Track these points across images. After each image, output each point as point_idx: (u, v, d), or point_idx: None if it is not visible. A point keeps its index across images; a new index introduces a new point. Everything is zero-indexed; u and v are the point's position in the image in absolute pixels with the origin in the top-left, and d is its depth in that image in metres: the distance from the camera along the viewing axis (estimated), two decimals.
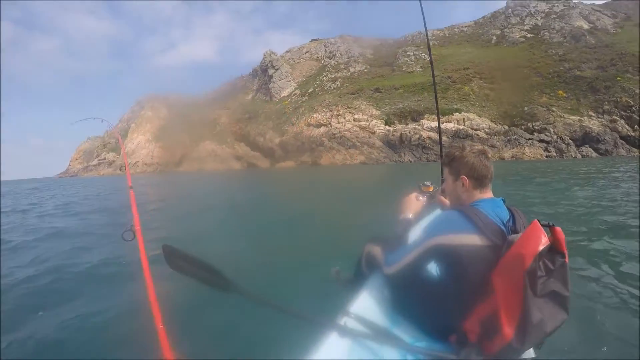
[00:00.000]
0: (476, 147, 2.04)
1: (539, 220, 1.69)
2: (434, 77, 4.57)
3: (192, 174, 62.94)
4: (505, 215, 1.91)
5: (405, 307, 2.18)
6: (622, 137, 47.25)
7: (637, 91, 51.02)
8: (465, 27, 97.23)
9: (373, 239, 2.57)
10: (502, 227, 1.81)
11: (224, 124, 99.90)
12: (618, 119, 49.59)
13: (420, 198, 2.62)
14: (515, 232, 1.82)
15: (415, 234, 2.31)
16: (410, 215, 2.49)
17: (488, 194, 2.04)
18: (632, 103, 50.11)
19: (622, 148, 45.77)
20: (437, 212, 2.79)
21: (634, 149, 45.49)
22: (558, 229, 1.69)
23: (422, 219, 2.64)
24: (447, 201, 2.51)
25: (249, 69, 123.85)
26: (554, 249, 1.67)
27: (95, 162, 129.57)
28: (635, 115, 49.19)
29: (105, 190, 27.23)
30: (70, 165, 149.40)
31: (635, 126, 48.05)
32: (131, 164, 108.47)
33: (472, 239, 1.78)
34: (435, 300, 2.00)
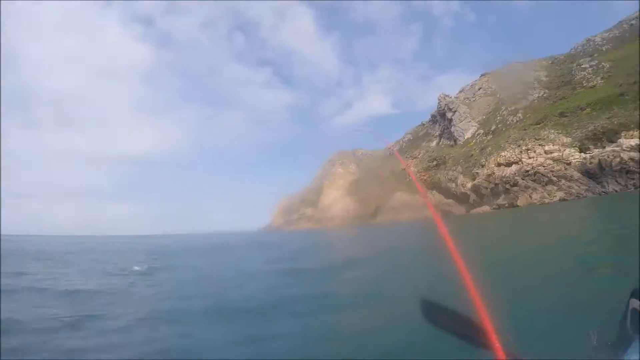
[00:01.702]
0: None
1: None
2: None
3: (391, 226, 64.96)
4: None
5: None
6: None
7: None
8: (634, 19, 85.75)
9: (638, 292, 2.21)
10: None
11: (414, 173, 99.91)
12: None
13: None
14: None
15: None
16: None
17: None
18: None
19: None
20: None
21: None
22: None
23: None
24: None
25: (427, 115, 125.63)
26: None
27: (295, 216, 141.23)
28: None
29: None
30: (273, 219, 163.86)
31: None
32: (328, 218, 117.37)
33: None
34: None
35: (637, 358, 1.78)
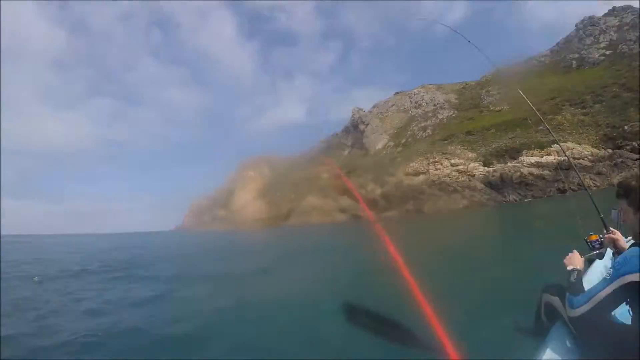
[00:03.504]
0: None
1: None
2: None
3: (303, 228, 66.05)
4: None
5: (593, 357, 2.12)
6: None
7: None
8: (542, 57, 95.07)
9: (549, 288, 2.68)
10: None
11: (325, 179, 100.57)
12: None
13: (581, 257, 2.62)
14: None
15: (594, 277, 2.64)
16: (578, 267, 2.53)
17: None
18: None
19: None
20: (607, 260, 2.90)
21: None
22: None
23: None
24: (619, 237, 2.67)
25: (340, 125, 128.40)
26: None
27: (207, 218, 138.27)
28: None
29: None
30: (184, 220, 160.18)
31: None
32: (240, 219, 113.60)
33: None
34: (627, 346, 1.94)
35: (554, 343, 2.24)
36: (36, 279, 11.78)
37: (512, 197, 57.63)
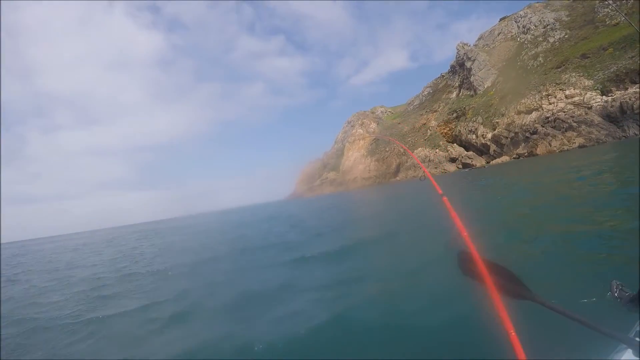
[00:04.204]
0: None
1: None
2: None
3: (412, 182, 65.88)
4: None
5: None
6: None
7: None
8: None
9: None
10: None
11: (434, 127, 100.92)
12: None
13: None
14: None
15: None
16: None
17: None
18: None
19: None
20: None
21: None
22: None
23: None
24: None
25: (446, 66, 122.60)
26: None
27: (318, 182, 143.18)
28: None
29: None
30: (296, 187, 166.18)
31: None
32: (350, 180, 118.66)
33: None
34: None
35: None
36: (170, 272, 12.09)
37: (632, 131, 51.80)
